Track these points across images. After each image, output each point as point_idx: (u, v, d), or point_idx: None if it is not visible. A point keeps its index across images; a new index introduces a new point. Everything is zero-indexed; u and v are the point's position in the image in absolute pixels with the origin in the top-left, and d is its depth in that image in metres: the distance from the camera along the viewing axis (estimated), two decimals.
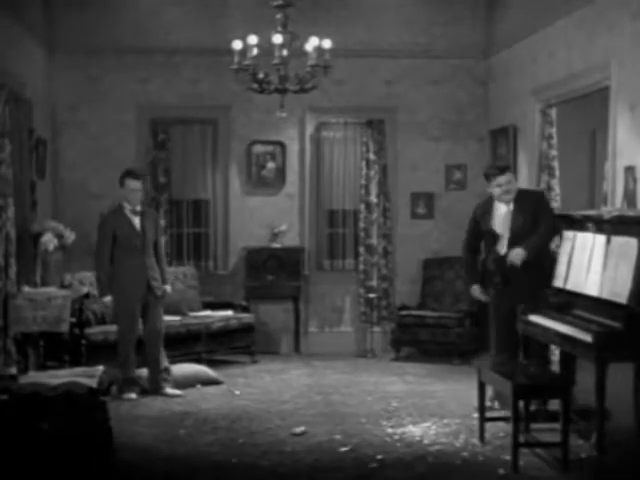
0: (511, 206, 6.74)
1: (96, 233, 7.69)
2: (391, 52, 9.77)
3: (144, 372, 7.60)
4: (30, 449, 5.01)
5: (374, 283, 9.75)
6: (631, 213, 5.83)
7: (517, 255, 6.55)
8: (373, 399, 7.40)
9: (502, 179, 6.74)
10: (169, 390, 7.49)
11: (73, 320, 7.61)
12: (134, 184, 7.49)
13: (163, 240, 7.99)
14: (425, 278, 9.82)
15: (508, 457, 5.48)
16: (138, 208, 7.54)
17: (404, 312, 9.46)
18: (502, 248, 6.77)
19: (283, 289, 9.59)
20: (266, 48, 7.33)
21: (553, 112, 7.93)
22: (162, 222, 9.48)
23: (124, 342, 7.48)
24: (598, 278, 5.63)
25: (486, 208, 6.92)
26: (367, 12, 9.73)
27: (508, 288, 6.72)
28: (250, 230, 9.69)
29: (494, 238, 6.86)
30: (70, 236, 8.12)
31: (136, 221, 7.51)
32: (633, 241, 5.33)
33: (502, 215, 6.78)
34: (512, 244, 6.68)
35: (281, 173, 9.82)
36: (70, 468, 5.04)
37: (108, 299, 7.48)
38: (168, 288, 7.71)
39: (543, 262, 6.56)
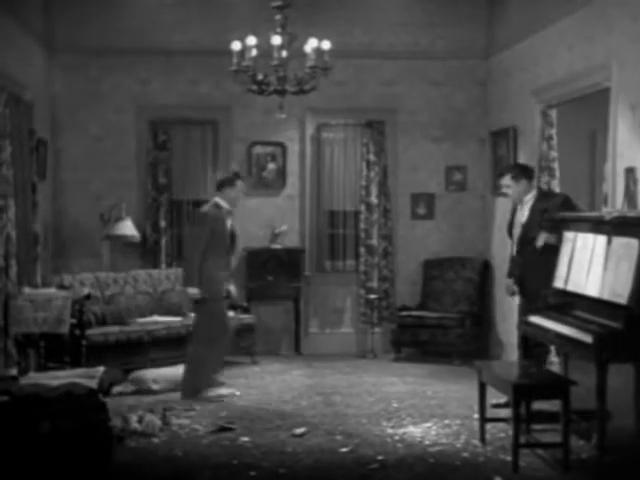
0: (526, 209, 6.88)
1: (192, 226, 7.52)
2: (391, 53, 9.77)
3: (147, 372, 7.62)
4: (30, 450, 5.01)
5: (374, 284, 9.75)
6: (632, 214, 5.83)
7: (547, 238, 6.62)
8: (373, 400, 7.40)
9: (501, 181, 7.00)
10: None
11: (74, 321, 7.61)
12: (242, 186, 7.59)
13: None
14: (425, 279, 9.82)
15: (509, 458, 5.48)
16: (231, 209, 7.60)
17: (404, 313, 9.46)
18: (513, 250, 6.99)
19: (283, 290, 9.59)
20: (265, 49, 7.34)
21: (553, 113, 7.93)
22: (163, 223, 9.53)
23: (220, 342, 7.42)
24: (598, 279, 5.63)
25: (515, 208, 7.11)
26: (367, 13, 9.74)
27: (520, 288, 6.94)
28: (250, 231, 9.69)
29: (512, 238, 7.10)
30: None
31: (228, 222, 7.55)
32: (634, 242, 5.33)
33: (518, 217, 6.96)
34: (519, 244, 6.89)
35: (281, 174, 9.82)
36: (70, 469, 5.04)
37: (193, 291, 7.34)
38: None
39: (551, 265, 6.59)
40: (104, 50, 9.47)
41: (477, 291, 9.55)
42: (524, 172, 6.97)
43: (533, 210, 6.81)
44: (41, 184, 8.64)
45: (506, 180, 6.92)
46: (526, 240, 6.84)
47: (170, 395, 7.44)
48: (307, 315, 9.85)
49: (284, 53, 7.34)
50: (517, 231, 6.94)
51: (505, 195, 7.00)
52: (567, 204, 6.74)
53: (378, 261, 9.77)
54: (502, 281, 9.17)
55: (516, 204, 7.04)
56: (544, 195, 6.94)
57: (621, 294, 5.29)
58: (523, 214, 6.91)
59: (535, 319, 6.13)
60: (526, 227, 6.84)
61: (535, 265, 6.71)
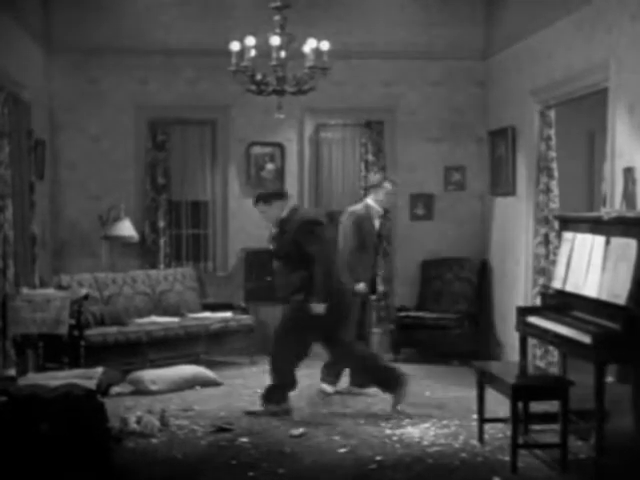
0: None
1: (351, 229, 7.72)
2: (390, 53, 9.76)
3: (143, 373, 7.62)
4: (29, 451, 5.01)
5: None
6: (630, 214, 5.83)
7: (316, 308, 6.86)
8: (372, 400, 7.40)
9: (257, 209, 7.18)
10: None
11: (72, 322, 7.60)
12: (391, 188, 7.85)
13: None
14: (424, 279, 9.82)
15: (507, 458, 5.49)
16: (382, 212, 7.94)
17: (403, 313, 9.46)
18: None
19: None
20: (264, 49, 7.34)
21: (552, 113, 7.93)
22: (162, 223, 9.54)
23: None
24: (597, 279, 5.64)
25: None
26: (365, 13, 9.73)
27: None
28: (249, 231, 9.67)
29: None
30: None
31: (376, 223, 7.87)
32: (632, 242, 5.33)
33: None
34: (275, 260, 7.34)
35: (280, 174, 9.82)
36: (68, 470, 5.04)
37: (361, 286, 7.67)
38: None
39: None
40: (103, 50, 9.47)
41: (476, 292, 9.54)
42: (273, 195, 7.15)
43: (278, 230, 7.15)
44: (39, 184, 8.64)
45: (260, 207, 7.11)
46: (275, 257, 7.30)
47: (168, 396, 7.45)
48: None
49: (283, 53, 7.34)
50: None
51: (267, 220, 7.33)
52: (304, 228, 6.91)
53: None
54: (501, 282, 9.19)
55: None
56: (291, 216, 7.05)
57: (619, 295, 5.30)
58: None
59: (534, 319, 6.13)
60: (276, 246, 7.22)
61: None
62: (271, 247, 7.18)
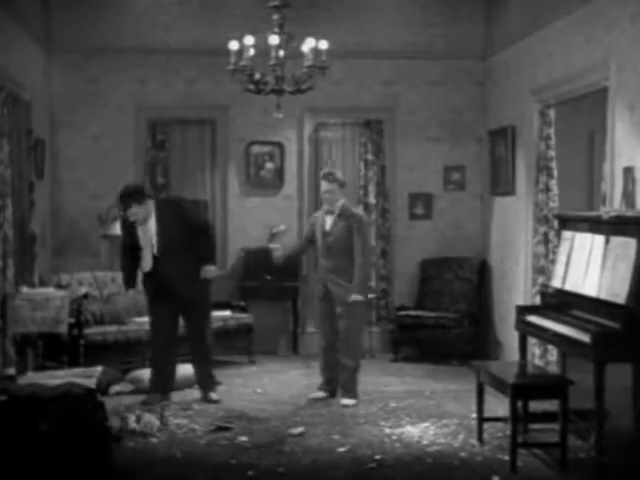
0: (152, 221, 7.08)
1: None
2: (389, 52, 9.76)
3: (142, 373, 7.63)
4: (28, 450, 5.00)
5: (373, 283, 9.74)
6: (630, 214, 5.83)
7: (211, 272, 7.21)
8: (371, 399, 7.40)
9: (128, 214, 7.06)
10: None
11: (71, 321, 7.61)
12: (323, 186, 7.54)
13: (362, 243, 7.32)
14: (423, 279, 9.82)
15: (506, 457, 5.49)
16: (334, 209, 7.46)
17: (402, 313, 9.45)
18: (147, 265, 7.16)
19: (281, 290, 9.57)
20: (263, 49, 7.34)
21: (551, 112, 7.93)
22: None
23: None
24: (596, 278, 5.64)
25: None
26: (365, 12, 9.72)
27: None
28: (248, 231, 9.67)
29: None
30: None
31: (327, 221, 7.48)
32: (632, 241, 5.33)
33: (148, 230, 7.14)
34: (162, 256, 7.07)
35: (279, 174, 9.81)
36: (68, 469, 5.03)
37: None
38: (354, 297, 7.20)
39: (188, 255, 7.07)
40: (102, 50, 9.46)
41: (475, 291, 9.53)
42: (144, 194, 7.08)
43: (159, 223, 7.07)
44: (39, 183, 8.64)
45: (134, 209, 6.98)
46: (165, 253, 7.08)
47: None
48: (305, 315, 9.84)
49: (282, 53, 7.33)
50: (145, 244, 7.13)
51: (136, 222, 7.07)
52: (183, 206, 7.23)
53: (376, 261, 9.76)
54: (501, 281, 9.19)
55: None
56: (163, 203, 7.24)
57: (619, 294, 5.30)
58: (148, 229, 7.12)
59: (533, 318, 6.13)
60: (162, 238, 7.07)
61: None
62: (154, 250, 7.05)
